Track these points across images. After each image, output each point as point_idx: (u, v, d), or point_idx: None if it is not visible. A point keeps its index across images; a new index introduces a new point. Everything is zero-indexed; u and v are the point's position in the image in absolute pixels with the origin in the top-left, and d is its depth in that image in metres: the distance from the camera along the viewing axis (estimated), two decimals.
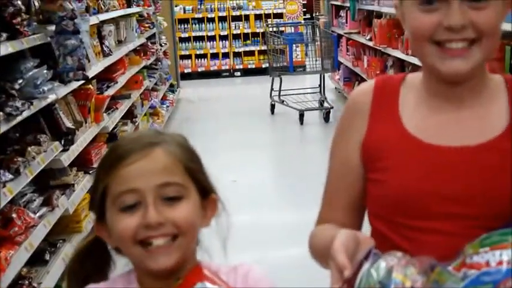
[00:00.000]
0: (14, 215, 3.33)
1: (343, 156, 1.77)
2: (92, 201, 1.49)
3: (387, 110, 1.67)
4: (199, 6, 14.90)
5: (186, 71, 14.50)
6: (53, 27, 4.03)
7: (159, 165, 1.43)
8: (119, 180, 1.40)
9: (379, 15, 8.73)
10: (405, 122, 1.63)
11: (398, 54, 7.38)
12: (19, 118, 3.38)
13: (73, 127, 4.32)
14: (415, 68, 7.09)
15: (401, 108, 1.66)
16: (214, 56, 14.91)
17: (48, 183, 4.11)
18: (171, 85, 11.28)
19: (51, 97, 3.89)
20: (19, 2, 3.70)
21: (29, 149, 3.58)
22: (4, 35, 3.39)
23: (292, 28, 13.66)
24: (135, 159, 1.41)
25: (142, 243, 1.39)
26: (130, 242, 1.39)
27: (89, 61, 4.66)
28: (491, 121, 1.57)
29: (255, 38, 14.84)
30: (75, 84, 4.39)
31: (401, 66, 7.78)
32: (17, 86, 3.55)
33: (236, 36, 14.93)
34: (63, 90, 4.16)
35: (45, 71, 3.81)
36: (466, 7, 1.45)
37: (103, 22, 5.93)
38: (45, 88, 3.74)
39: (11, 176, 3.25)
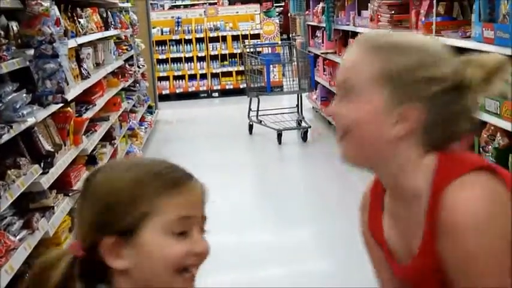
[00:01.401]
0: None
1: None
2: (110, 221, 1.45)
3: (376, 213, 1.87)
4: (176, 28, 14.95)
5: (164, 92, 14.52)
6: (31, 52, 4.06)
7: (202, 198, 1.53)
8: (175, 206, 1.45)
9: (355, 35, 8.83)
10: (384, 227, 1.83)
11: None
12: None
13: (52, 150, 4.34)
14: None
15: (384, 211, 1.83)
16: (192, 77, 14.94)
17: (28, 206, 4.12)
18: (149, 107, 11.30)
19: (31, 120, 3.91)
20: None
21: (9, 172, 3.60)
22: None
23: (269, 49, 13.74)
24: (190, 187, 1.50)
25: (180, 270, 1.45)
26: (171, 267, 1.43)
27: (68, 84, 4.68)
28: (415, 237, 1.68)
29: (233, 59, 14.90)
30: (54, 108, 4.41)
31: None
32: None
33: (214, 57, 14.98)
34: (43, 114, 4.18)
35: (24, 95, 3.83)
36: None
37: (81, 45, 5.95)
38: (25, 112, 3.77)
39: None
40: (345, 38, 9.53)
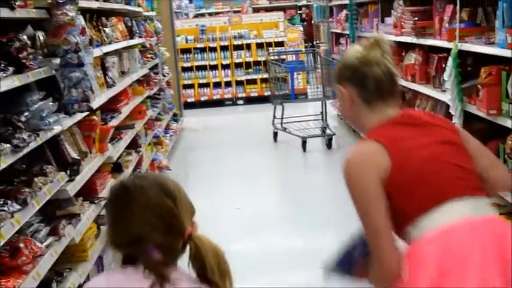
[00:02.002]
0: (21, 245, 3.39)
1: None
2: None
3: None
4: (201, 36, 15.03)
5: (189, 100, 14.60)
6: (57, 61, 4.11)
7: None
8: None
9: None
10: None
11: None
12: (26, 150, 3.45)
13: (78, 158, 4.38)
14: (415, 94, 7.17)
15: None
16: (217, 85, 15.01)
17: (55, 213, 4.17)
18: (174, 114, 11.37)
19: (57, 128, 3.96)
20: (25, 37, 3.79)
21: (36, 179, 3.65)
22: (10, 69, 3.47)
23: (294, 56, 13.77)
24: None
25: None
26: None
27: (93, 92, 4.73)
28: None
29: (257, 67, 14.95)
30: (80, 116, 4.47)
31: (402, 92, 7.85)
32: (23, 119, 3.62)
33: (238, 65, 15.04)
34: (68, 122, 4.24)
35: (50, 103, 3.89)
36: None
37: (106, 54, 6.01)
38: (51, 120, 3.82)
39: (18, 207, 3.31)
40: None
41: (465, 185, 2.42)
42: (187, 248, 2.00)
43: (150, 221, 1.93)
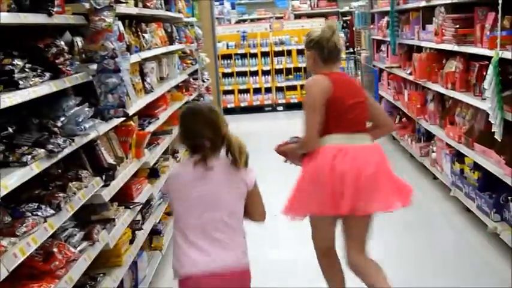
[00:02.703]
0: (55, 249, 3.41)
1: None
2: None
3: None
4: (242, 42, 15.08)
5: (229, 105, 14.65)
6: (94, 66, 4.14)
7: None
8: None
9: (419, 49, 8.75)
10: None
11: (438, 88, 7.38)
12: (61, 155, 3.47)
13: (114, 163, 4.40)
14: (455, 102, 7.08)
15: None
16: (257, 90, 15.04)
17: (90, 218, 4.19)
18: None
19: (92, 134, 3.99)
20: (62, 43, 3.82)
21: (70, 184, 3.67)
22: (47, 74, 3.50)
23: None
24: None
25: None
26: None
27: (130, 98, 4.76)
28: None
29: (298, 73, 14.94)
30: (116, 121, 4.48)
31: (442, 100, 7.77)
32: (59, 124, 3.65)
33: (278, 71, 15.05)
34: (104, 127, 4.25)
35: (86, 109, 3.91)
36: None
37: (145, 59, 6.03)
38: (87, 125, 3.84)
39: (52, 211, 3.34)
40: (409, 52, 9.44)
41: (361, 124, 4.28)
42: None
43: (205, 127, 3.41)
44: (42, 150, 3.29)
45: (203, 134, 3.40)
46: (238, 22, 21.10)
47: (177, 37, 8.02)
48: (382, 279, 4.23)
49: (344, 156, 4.08)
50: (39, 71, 3.44)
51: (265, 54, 14.98)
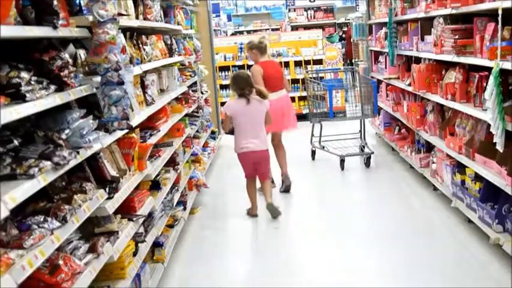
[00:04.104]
0: (60, 262, 3.41)
1: None
2: None
3: None
4: (239, 54, 15.10)
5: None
6: (98, 79, 4.14)
7: None
8: None
9: (418, 60, 8.78)
10: None
11: (437, 99, 7.40)
12: (66, 167, 3.47)
13: (117, 175, 4.40)
14: (455, 112, 7.10)
15: None
16: None
17: (93, 230, 4.19)
18: (212, 132, 11.41)
19: (97, 146, 3.99)
20: (67, 55, 3.83)
21: (75, 197, 3.67)
22: (52, 87, 3.51)
23: (332, 74, 13.74)
24: None
25: None
26: None
27: (133, 110, 4.76)
28: None
29: (295, 85, 14.94)
30: (119, 133, 4.49)
31: (441, 110, 7.79)
32: (64, 136, 3.66)
33: None
34: (108, 140, 4.26)
35: (91, 121, 3.92)
36: None
37: (146, 72, 6.04)
38: (91, 138, 3.85)
39: (58, 224, 3.34)
40: (408, 63, 9.48)
41: (280, 85, 8.64)
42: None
43: (246, 83, 7.40)
44: (49, 162, 3.29)
45: (244, 86, 7.38)
46: (234, 34, 21.16)
47: (177, 49, 8.04)
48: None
49: (281, 100, 8.59)
50: (44, 83, 3.45)
51: None
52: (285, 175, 8.75)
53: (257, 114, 7.38)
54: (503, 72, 5.28)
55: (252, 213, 7.53)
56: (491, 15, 5.81)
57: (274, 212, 7.33)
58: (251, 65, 14.67)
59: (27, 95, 3.18)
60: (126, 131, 4.58)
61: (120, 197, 4.38)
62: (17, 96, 3.13)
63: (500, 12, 5.33)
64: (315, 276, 5.67)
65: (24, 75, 3.24)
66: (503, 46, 5.34)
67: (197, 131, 9.23)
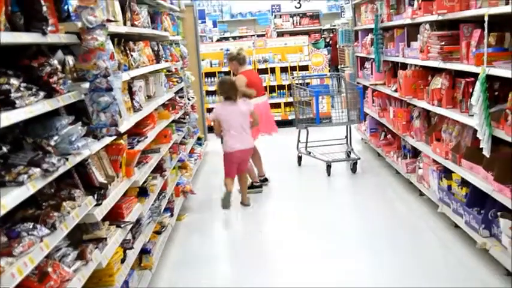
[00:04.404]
0: (49, 269, 3.40)
1: None
2: None
3: None
4: (225, 60, 15.10)
5: (212, 124, 14.58)
6: (87, 85, 4.13)
7: None
8: None
9: (404, 66, 8.81)
10: None
11: (424, 104, 7.43)
12: (55, 174, 3.46)
13: (105, 182, 4.39)
14: (441, 118, 7.13)
15: None
16: None
17: (82, 237, 4.17)
18: (199, 138, 11.40)
19: (85, 153, 3.98)
20: (55, 62, 3.82)
21: (64, 204, 3.66)
22: (41, 93, 3.50)
23: (318, 80, 13.77)
24: None
25: None
26: None
27: (121, 117, 4.75)
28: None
29: (281, 91, 14.96)
30: (107, 140, 4.48)
31: (427, 116, 7.82)
32: (52, 143, 3.65)
33: None
34: (97, 146, 4.25)
35: (79, 128, 3.90)
36: None
37: (133, 78, 6.03)
38: (80, 144, 3.83)
39: (47, 231, 3.33)
40: (394, 69, 9.51)
41: (262, 90, 9.37)
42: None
43: (231, 87, 8.05)
44: (38, 169, 3.29)
45: (230, 90, 8.02)
46: (219, 40, 21.16)
47: (164, 55, 8.03)
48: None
49: (264, 104, 9.26)
50: (33, 90, 3.44)
51: None
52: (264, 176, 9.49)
53: (243, 113, 8.03)
54: (489, 78, 5.32)
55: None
56: (477, 21, 5.85)
57: (227, 203, 7.90)
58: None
59: (17, 101, 3.17)
60: (115, 137, 4.57)
61: (108, 203, 4.37)
62: (7, 103, 3.12)
63: (486, 18, 5.37)
64: (300, 279, 5.69)
65: (14, 81, 3.23)
66: (489, 52, 5.38)
67: (184, 137, 9.22)
